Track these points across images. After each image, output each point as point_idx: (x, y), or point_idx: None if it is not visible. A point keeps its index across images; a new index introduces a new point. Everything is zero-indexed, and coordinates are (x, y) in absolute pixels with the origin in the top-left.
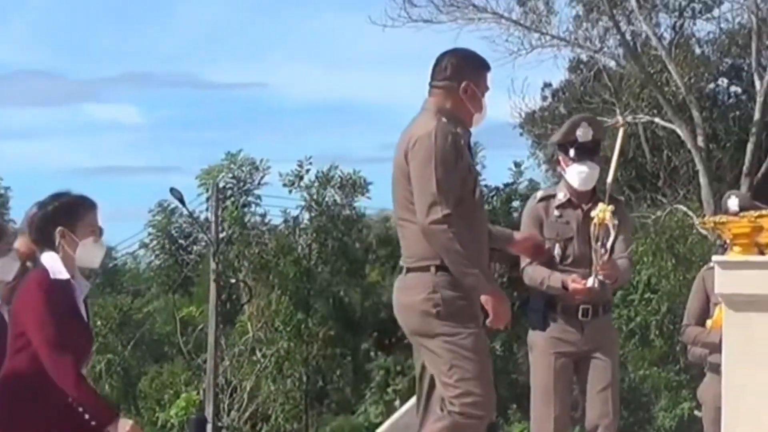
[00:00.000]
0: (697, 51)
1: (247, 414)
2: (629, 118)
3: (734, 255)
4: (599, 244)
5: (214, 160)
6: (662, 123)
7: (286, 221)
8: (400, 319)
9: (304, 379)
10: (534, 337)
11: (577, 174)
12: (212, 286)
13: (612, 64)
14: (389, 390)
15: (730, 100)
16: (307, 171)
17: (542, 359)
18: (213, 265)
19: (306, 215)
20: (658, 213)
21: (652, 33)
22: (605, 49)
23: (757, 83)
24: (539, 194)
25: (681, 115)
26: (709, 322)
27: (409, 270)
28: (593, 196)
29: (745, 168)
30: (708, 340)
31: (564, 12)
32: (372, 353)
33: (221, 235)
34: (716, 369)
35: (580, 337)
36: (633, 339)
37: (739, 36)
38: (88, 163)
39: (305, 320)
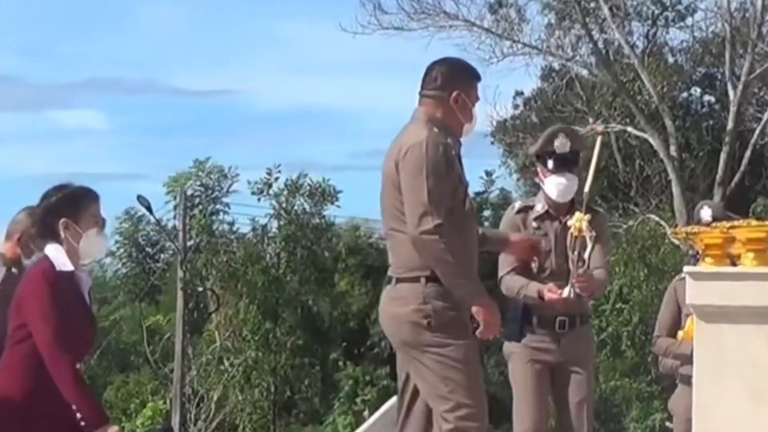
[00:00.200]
0: (670, 60)
1: (214, 424)
2: (600, 128)
3: (706, 266)
4: (576, 254)
5: (182, 168)
6: (635, 132)
7: (254, 229)
8: (388, 330)
9: (272, 388)
10: (510, 347)
11: (556, 185)
12: (179, 294)
13: (584, 72)
14: (358, 400)
15: (703, 110)
16: (276, 179)
17: (520, 365)
18: (180, 274)
19: (275, 223)
20: (630, 222)
21: (625, 41)
22: (577, 57)
23: (731, 92)
24: (517, 205)
25: (654, 124)
26: (680, 333)
27: (398, 280)
28: (571, 207)
29: (718, 177)
30: (679, 351)
31: (536, 20)
32: (341, 363)
33: (189, 244)
34: (687, 380)
35: (556, 347)
36: (604, 349)
37: (713, 45)
38: (53, 169)
39: (273, 329)
